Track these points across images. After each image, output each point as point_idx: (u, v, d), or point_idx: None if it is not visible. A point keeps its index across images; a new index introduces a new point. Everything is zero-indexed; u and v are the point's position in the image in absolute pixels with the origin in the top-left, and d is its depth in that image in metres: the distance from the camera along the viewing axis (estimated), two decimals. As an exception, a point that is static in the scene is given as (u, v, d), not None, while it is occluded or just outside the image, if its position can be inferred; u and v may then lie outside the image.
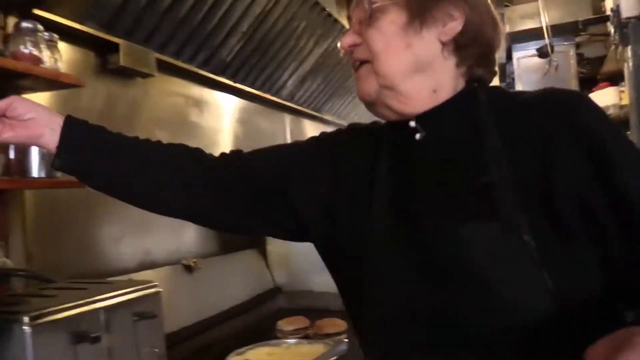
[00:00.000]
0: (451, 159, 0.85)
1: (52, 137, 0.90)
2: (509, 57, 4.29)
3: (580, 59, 4.10)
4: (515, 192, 0.77)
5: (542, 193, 0.77)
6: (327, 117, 3.81)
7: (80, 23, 1.67)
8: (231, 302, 2.24)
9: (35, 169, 1.24)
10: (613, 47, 2.73)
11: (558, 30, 3.63)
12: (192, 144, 2.29)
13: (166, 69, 2.10)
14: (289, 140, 3.35)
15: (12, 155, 1.24)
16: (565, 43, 3.96)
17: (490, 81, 0.92)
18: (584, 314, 0.74)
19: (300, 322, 2.05)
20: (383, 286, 0.84)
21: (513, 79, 4.35)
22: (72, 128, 0.92)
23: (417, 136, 0.86)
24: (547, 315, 0.73)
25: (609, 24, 2.83)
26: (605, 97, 3.47)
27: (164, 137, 2.10)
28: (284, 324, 2.03)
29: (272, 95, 2.93)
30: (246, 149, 2.73)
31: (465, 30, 0.84)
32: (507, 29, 3.61)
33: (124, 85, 1.96)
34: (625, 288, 0.77)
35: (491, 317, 0.75)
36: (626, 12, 2.28)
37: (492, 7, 0.90)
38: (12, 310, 0.99)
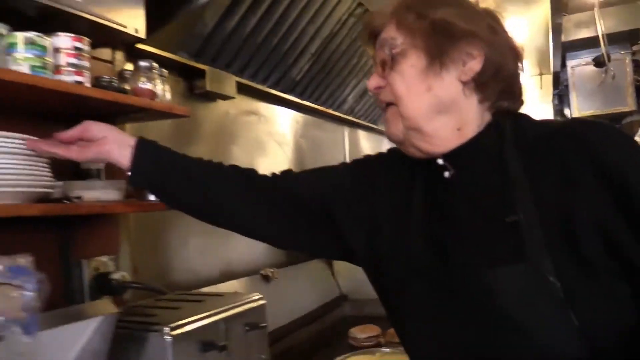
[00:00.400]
0: (479, 196, 0.88)
1: (121, 152, 1.00)
2: (563, 64, 4.29)
3: (636, 66, 4.07)
4: (540, 231, 0.79)
5: (565, 230, 0.79)
6: (381, 127, 3.89)
7: (174, 53, 1.81)
8: (303, 310, 2.36)
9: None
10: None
11: (614, 39, 3.62)
12: (262, 157, 2.45)
13: (243, 90, 2.24)
14: (347, 151, 3.47)
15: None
16: (622, 52, 3.95)
17: (518, 109, 0.95)
18: (616, 349, 0.76)
19: (372, 330, 2.14)
20: (419, 322, 0.90)
21: (566, 86, 4.35)
22: (144, 146, 1.02)
23: (446, 174, 0.90)
24: (575, 354, 0.75)
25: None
26: (664, 106, 3.46)
27: (239, 152, 2.26)
28: (357, 332, 2.13)
29: (334, 110, 3.04)
30: (309, 160, 2.89)
31: (485, 68, 0.86)
32: (562, 38, 3.62)
33: (206, 107, 2.10)
34: None
35: (516, 353, 0.79)
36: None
37: (513, 39, 0.92)
38: (151, 322, 1.12)
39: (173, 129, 1.91)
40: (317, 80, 2.64)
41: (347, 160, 3.40)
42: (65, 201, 1.18)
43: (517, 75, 0.92)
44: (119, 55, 1.60)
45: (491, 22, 0.90)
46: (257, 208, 1.06)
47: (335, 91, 2.88)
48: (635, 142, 0.83)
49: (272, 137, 2.58)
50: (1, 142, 1.04)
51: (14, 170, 1.05)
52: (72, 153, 1.03)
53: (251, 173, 1.10)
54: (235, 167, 1.11)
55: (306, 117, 2.92)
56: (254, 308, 1.33)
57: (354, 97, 3.11)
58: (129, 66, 1.60)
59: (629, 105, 4.08)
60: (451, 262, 0.86)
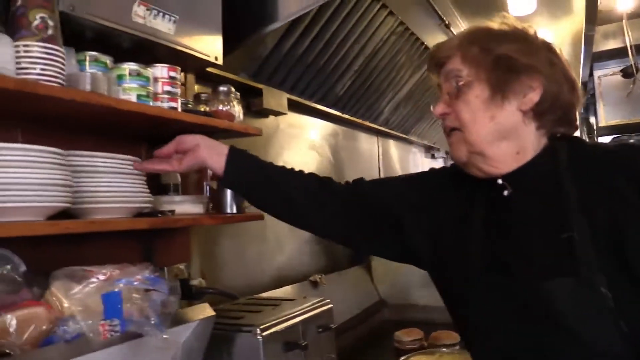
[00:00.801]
0: (536, 213, 0.97)
1: (214, 157, 1.16)
2: (590, 74, 4.36)
3: (663, 75, 4.13)
4: (592, 246, 0.87)
5: (615, 246, 0.86)
6: (412, 138, 4.01)
7: (235, 74, 1.95)
8: (348, 315, 2.47)
9: (228, 206, 1.50)
10: None
11: (641, 50, 3.70)
12: (309, 166, 2.58)
13: (293, 106, 2.37)
14: (381, 159, 3.59)
15: (207, 195, 1.52)
16: (650, 64, 4.03)
17: (573, 134, 1.05)
18: None
19: (416, 333, 2.24)
20: (482, 327, 1.01)
21: (592, 95, 4.42)
22: (235, 154, 1.18)
23: (505, 193, 0.99)
24: (623, 357, 0.85)
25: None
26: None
27: (289, 162, 2.39)
28: (402, 335, 2.23)
29: (371, 122, 3.17)
30: (348, 169, 3.01)
31: (543, 98, 0.96)
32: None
33: (261, 123, 2.23)
34: None
35: (571, 355, 0.89)
36: None
37: (569, 70, 1.01)
38: (241, 323, 1.24)
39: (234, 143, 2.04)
40: (358, 95, 2.76)
41: (381, 166, 3.52)
42: (159, 215, 1.32)
43: (572, 104, 1.02)
44: (190, 78, 1.74)
45: (549, 55, 0.99)
46: (330, 210, 1.19)
47: (374, 104, 3.00)
48: None
49: (315, 148, 2.71)
50: (111, 162, 1.18)
51: (122, 187, 1.19)
52: (174, 166, 1.18)
53: (327, 180, 1.24)
54: (313, 175, 1.24)
55: (345, 129, 3.05)
56: (323, 311, 1.45)
57: (389, 109, 3.23)
58: (196, 87, 1.75)
59: (656, 119, 4.16)
60: (510, 274, 0.96)
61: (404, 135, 3.83)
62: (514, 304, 0.95)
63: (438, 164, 5.14)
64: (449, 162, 4.94)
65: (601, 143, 1.03)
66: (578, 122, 1.06)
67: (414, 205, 1.15)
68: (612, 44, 3.88)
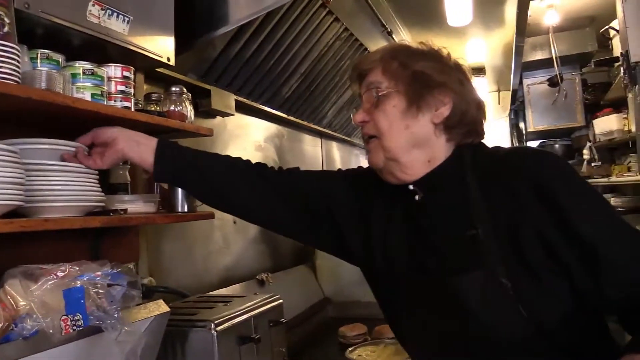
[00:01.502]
0: (445, 215, 1.06)
1: (138, 149, 1.19)
2: (520, 82, 4.62)
3: (584, 85, 4.43)
4: (494, 242, 0.97)
5: (513, 241, 0.96)
6: (354, 140, 4.12)
7: (184, 75, 1.96)
8: (294, 312, 2.52)
9: (180, 205, 1.52)
10: (622, 82, 3.05)
11: (566, 61, 3.97)
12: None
13: (240, 107, 2.40)
14: (324, 160, 3.67)
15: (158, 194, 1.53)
16: (573, 73, 4.31)
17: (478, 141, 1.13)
18: (558, 330, 0.96)
19: (359, 328, 2.32)
20: (406, 322, 1.12)
21: (522, 102, 4.69)
22: (163, 147, 1.21)
23: (417, 197, 1.09)
24: (525, 337, 0.97)
25: (617, 64, 3.17)
26: (609, 123, 3.81)
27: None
28: (346, 330, 2.31)
29: (315, 124, 3.24)
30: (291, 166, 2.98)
31: (453, 113, 1.05)
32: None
33: (209, 123, 2.25)
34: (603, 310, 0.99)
35: (481, 341, 1.00)
36: (635, 57, 2.61)
37: (476, 91, 1.13)
38: (196, 319, 1.27)
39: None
40: (303, 97, 2.83)
41: (324, 167, 3.60)
42: (111, 214, 1.32)
43: (479, 121, 1.11)
44: (140, 78, 1.74)
45: (460, 76, 1.10)
46: (260, 193, 1.24)
47: (318, 107, 3.07)
48: (566, 164, 1.02)
49: (260, 149, 2.74)
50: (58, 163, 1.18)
51: (74, 186, 1.19)
52: (96, 162, 1.20)
53: (262, 166, 1.30)
54: (247, 162, 1.30)
55: (290, 131, 3.11)
56: (274, 306, 1.50)
57: (333, 112, 3.32)
58: (145, 87, 1.76)
59: (579, 121, 4.45)
60: (425, 272, 1.06)
61: (346, 138, 3.93)
62: (429, 300, 1.05)
63: (378, 166, 5.29)
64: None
65: (501, 148, 1.13)
66: (485, 134, 1.15)
67: (345, 200, 1.22)
68: (539, 55, 4.14)
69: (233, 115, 2.29)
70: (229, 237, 2.35)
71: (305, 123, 3.10)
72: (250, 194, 1.25)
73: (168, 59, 1.53)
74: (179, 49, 1.62)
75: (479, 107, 1.11)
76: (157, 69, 1.75)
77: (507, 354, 0.98)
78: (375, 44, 2.99)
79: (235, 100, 2.30)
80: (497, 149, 1.12)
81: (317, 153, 3.59)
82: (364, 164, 3.89)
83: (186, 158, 1.25)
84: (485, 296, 0.97)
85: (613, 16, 3.24)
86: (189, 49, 1.76)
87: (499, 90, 5.11)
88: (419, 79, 1.05)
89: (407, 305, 1.10)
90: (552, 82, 4.21)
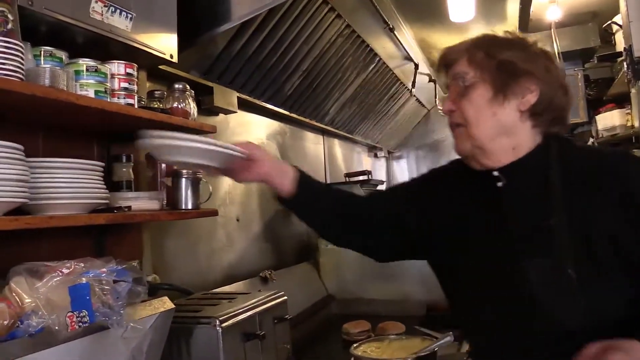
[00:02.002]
0: (524, 203, 1.10)
1: (281, 179, 1.21)
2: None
3: (587, 81, 4.40)
4: (566, 234, 1.02)
5: (587, 237, 1.02)
6: (357, 137, 4.11)
7: (186, 72, 1.96)
8: (297, 309, 2.52)
9: (184, 202, 1.52)
10: (622, 73, 3.04)
11: (568, 56, 3.94)
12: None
13: (242, 104, 2.40)
14: (326, 157, 3.66)
15: (164, 192, 1.53)
16: (575, 69, 4.28)
17: (565, 133, 1.18)
18: (614, 321, 0.99)
19: (363, 325, 2.33)
20: (476, 303, 1.15)
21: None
22: (303, 179, 1.24)
23: (499, 184, 1.12)
24: (584, 328, 0.99)
25: (620, 59, 3.15)
26: (612, 119, 3.80)
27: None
28: (350, 327, 2.31)
29: (317, 121, 3.23)
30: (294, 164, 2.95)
31: (539, 100, 1.08)
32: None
33: (211, 121, 2.25)
34: None
35: (541, 326, 1.04)
36: (638, 52, 2.60)
37: (563, 77, 1.14)
38: (201, 316, 1.27)
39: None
40: (305, 95, 2.82)
41: (326, 165, 3.60)
42: (115, 211, 1.32)
43: (565, 107, 1.14)
44: (142, 75, 1.74)
45: (546, 62, 1.12)
46: (380, 229, 1.28)
47: (320, 104, 3.07)
48: None
49: (264, 147, 2.74)
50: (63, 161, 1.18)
51: (78, 183, 1.19)
52: (242, 176, 1.21)
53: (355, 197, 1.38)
54: (347, 193, 1.36)
55: (292, 128, 3.10)
56: (278, 303, 1.50)
57: (335, 109, 3.31)
58: (148, 84, 1.75)
59: (581, 117, 4.41)
60: (498, 255, 1.10)
61: (348, 135, 3.92)
62: (500, 285, 1.10)
63: (380, 162, 5.28)
64: (392, 161, 5.06)
65: (590, 146, 1.15)
66: (570, 121, 1.19)
67: (422, 205, 1.26)
68: (542, 51, 4.11)
69: (235, 112, 2.29)
70: (232, 234, 2.35)
71: (307, 120, 3.09)
72: (370, 226, 1.29)
73: (171, 56, 1.53)
74: (181, 46, 1.62)
75: (566, 92, 1.12)
76: (160, 66, 1.75)
77: (566, 342, 0.99)
78: (378, 40, 2.98)
79: (238, 97, 2.30)
80: (587, 146, 1.18)
81: (319, 151, 3.58)
82: (366, 161, 3.94)
83: (321, 189, 1.31)
84: (550, 284, 1.01)
85: (616, 11, 3.22)
86: (192, 46, 1.76)
87: (501, 87, 5.09)
88: (504, 68, 1.08)
89: (478, 291, 1.14)
90: (555, 78, 4.20)
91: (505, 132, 1.09)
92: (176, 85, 1.52)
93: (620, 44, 3.23)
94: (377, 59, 3.17)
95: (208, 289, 1.97)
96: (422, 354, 1.35)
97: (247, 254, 2.45)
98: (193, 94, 1.60)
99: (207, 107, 2.13)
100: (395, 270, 2.75)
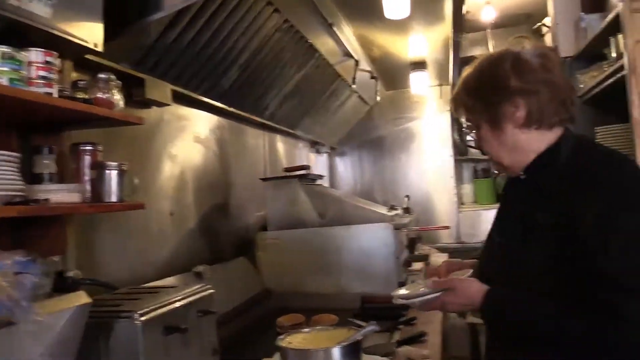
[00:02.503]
0: (529, 194, 1.30)
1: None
2: (460, 74, 4.73)
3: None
4: (547, 226, 1.20)
5: (560, 234, 1.17)
6: (298, 133, 4.12)
7: (116, 63, 1.91)
8: (233, 304, 2.52)
9: (108, 195, 1.48)
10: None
11: (503, 58, 4.09)
12: (194, 159, 2.59)
13: (177, 97, 2.36)
14: (267, 153, 3.65)
15: (88, 185, 1.49)
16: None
17: (574, 117, 1.29)
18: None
19: (297, 318, 2.34)
20: (484, 264, 1.43)
21: (462, 97, 4.80)
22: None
23: (521, 176, 1.33)
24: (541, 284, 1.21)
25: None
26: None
27: (173, 155, 2.37)
28: (284, 321, 2.31)
29: (257, 116, 3.22)
30: (234, 163, 3.12)
31: (528, 110, 1.23)
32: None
33: (144, 114, 2.20)
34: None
35: (514, 279, 1.26)
36: (563, 52, 2.73)
37: (544, 75, 1.23)
38: (119, 310, 1.25)
39: (108, 135, 2.01)
40: (244, 89, 2.80)
41: (267, 160, 3.60)
42: (31, 203, 1.28)
43: (554, 99, 1.24)
44: (68, 65, 1.68)
45: (516, 75, 1.22)
46: None
47: (260, 98, 3.06)
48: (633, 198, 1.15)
49: (200, 141, 2.71)
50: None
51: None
52: None
53: None
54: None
55: (231, 123, 3.08)
56: (204, 296, 1.49)
57: (275, 104, 3.31)
58: (75, 75, 1.70)
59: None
60: (502, 236, 1.37)
61: (290, 130, 3.93)
62: (496, 254, 1.38)
63: (323, 158, 5.31)
64: (334, 157, 5.10)
65: (597, 150, 1.30)
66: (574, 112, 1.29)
67: None
68: (478, 51, 4.25)
69: (169, 105, 2.25)
70: (165, 229, 2.32)
71: (246, 115, 3.08)
72: None
73: (95, 45, 1.49)
74: (109, 35, 1.57)
75: (547, 84, 1.22)
76: (87, 56, 1.70)
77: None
78: (317, 36, 3.00)
79: (172, 90, 2.26)
80: (595, 150, 1.28)
81: (259, 146, 3.57)
82: (307, 157, 4.02)
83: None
84: (525, 260, 1.25)
85: (547, 13, 3.37)
86: (120, 36, 1.71)
87: (440, 85, 5.23)
88: (487, 106, 1.27)
89: (486, 263, 1.41)
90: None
91: (514, 148, 1.28)
92: (100, 75, 1.49)
93: (549, 45, 3.38)
94: (317, 54, 3.19)
95: (138, 285, 1.93)
96: (345, 343, 1.38)
97: (181, 249, 2.42)
98: (120, 85, 1.56)
99: (139, 99, 2.09)
100: (331, 264, 2.79)
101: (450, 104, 1.46)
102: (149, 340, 1.23)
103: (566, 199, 1.18)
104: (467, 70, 1.34)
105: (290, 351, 1.41)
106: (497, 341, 1.37)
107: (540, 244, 1.22)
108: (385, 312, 2.46)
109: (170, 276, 2.19)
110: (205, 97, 2.55)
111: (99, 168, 1.49)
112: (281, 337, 1.52)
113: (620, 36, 2.30)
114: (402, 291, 1.44)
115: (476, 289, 1.26)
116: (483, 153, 1.37)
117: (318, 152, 5.05)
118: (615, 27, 2.28)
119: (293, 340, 1.52)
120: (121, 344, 1.21)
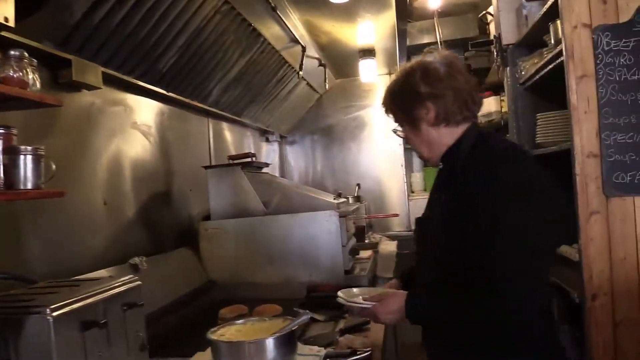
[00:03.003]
0: (443, 180, 1.56)
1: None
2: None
3: (468, 69, 4.62)
4: (449, 205, 1.45)
5: (459, 214, 1.39)
6: (245, 120, 4.03)
7: (38, 42, 1.79)
8: (173, 296, 2.43)
9: (22, 182, 1.37)
10: (495, 65, 3.22)
11: (450, 45, 4.10)
12: (131, 146, 2.48)
13: (110, 81, 2.24)
14: (212, 141, 3.55)
15: (1, 170, 1.38)
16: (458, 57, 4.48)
17: (479, 110, 1.55)
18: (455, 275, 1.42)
19: (240, 309, 2.28)
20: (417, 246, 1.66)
21: (411, 85, 4.80)
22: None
23: (440, 165, 1.58)
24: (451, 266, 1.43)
25: (492, 47, 3.33)
26: (489, 105, 4.01)
27: (104, 142, 2.26)
28: (226, 312, 2.25)
29: (199, 102, 3.11)
30: (176, 150, 3.02)
31: (437, 111, 1.48)
32: (408, 42, 4.03)
33: (71, 98, 2.08)
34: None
35: (430, 261, 1.53)
36: (505, 39, 2.75)
37: (448, 82, 1.45)
38: (31, 305, 1.16)
39: (34, 119, 1.89)
40: (183, 73, 2.70)
41: (212, 148, 3.50)
42: None
43: (459, 97, 1.47)
44: (-19, 43, 1.56)
45: (424, 82, 1.46)
46: None
47: (202, 84, 2.96)
48: (519, 183, 1.34)
49: (138, 127, 2.60)
50: None
51: None
52: None
53: None
54: None
55: (172, 109, 2.97)
56: (130, 289, 1.41)
57: (218, 90, 3.21)
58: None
59: (463, 104, 4.63)
60: (423, 217, 1.64)
61: (236, 117, 3.84)
62: (420, 231, 1.65)
63: (273, 147, 5.24)
64: (285, 146, 5.02)
65: (493, 140, 1.50)
66: (477, 106, 1.53)
67: None
68: (426, 39, 4.25)
69: (100, 88, 2.13)
70: (97, 219, 2.20)
71: (188, 101, 2.97)
72: None
73: (6, 19, 1.38)
74: (24, 11, 1.46)
75: (450, 87, 1.45)
76: (3, 34, 1.58)
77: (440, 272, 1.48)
78: (261, 19, 2.92)
79: (103, 72, 2.14)
80: (489, 142, 1.48)
81: (203, 134, 3.47)
82: (257, 146, 4.00)
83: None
84: (432, 234, 1.51)
85: (491, 2, 3.39)
86: (38, 11, 1.60)
87: (389, 74, 5.22)
88: (405, 113, 1.54)
89: (416, 244, 1.66)
90: (437, 66, 4.36)
91: (430, 143, 1.54)
92: (11, 52, 1.37)
93: (493, 33, 3.40)
94: (262, 39, 3.11)
95: (65, 277, 1.82)
96: (278, 334, 1.33)
97: (116, 240, 2.31)
98: (35, 63, 1.45)
99: (66, 82, 1.96)
100: (277, 253, 2.73)
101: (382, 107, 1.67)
102: (62, 337, 1.14)
103: (463, 180, 1.42)
104: (391, 79, 1.60)
105: (221, 344, 1.35)
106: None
107: (440, 215, 1.50)
108: (331, 301, 2.42)
109: (103, 268, 2.08)
110: (141, 81, 2.43)
111: (12, 153, 1.37)
112: (213, 329, 1.46)
113: (558, 22, 2.32)
114: (344, 294, 1.63)
115: (400, 301, 1.44)
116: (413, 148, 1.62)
117: (268, 140, 4.97)
118: (554, 13, 2.29)
119: (226, 333, 1.46)
120: (32, 341, 1.12)
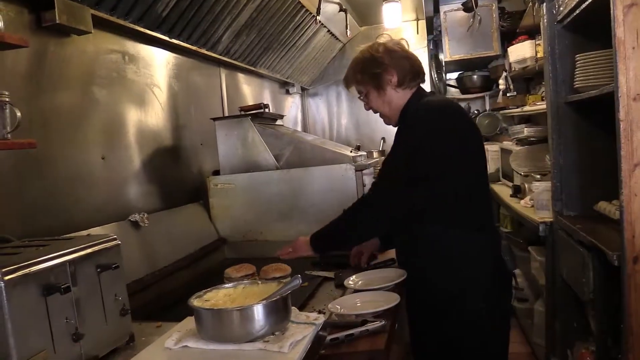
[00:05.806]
0: (397, 137, 1.91)
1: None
2: (437, 10, 4.41)
3: (502, 12, 4.28)
4: (394, 155, 1.90)
5: (399, 158, 1.81)
6: (262, 71, 3.83)
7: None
8: (179, 255, 2.32)
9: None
10: (531, 3, 2.92)
11: (481, -14, 3.79)
12: (129, 99, 2.30)
13: (102, 25, 2.08)
14: (225, 94, 3.38)
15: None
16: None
17: (423, 81, 1.90)
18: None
19: (247, 269, 2.15)
20: None
21: (440, 31, 4.50)
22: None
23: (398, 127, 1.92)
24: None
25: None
26: (523, 50, 3.70)
27: (101, 93, 2.11)
28: (232, 272, 2.12)
29: (208, 50, 2.93)
30: (182, 103, 2.81)
31: (399, 76, 1.80)
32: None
33: (60, 44, 1.93)
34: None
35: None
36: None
37: (403, 54, 1.82)
38: (-17, 268, 1.03)
39: (31, 70, 1.75)
40: (186, 18, 2.51)
41: (225, 101, 3.32)
42: None
43: (411, 68, 1.82)
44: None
45: (389, 54, 1.80)
46: None
47: (208, 29, 2.76)
48: (434, 128, 1.70)
49: (142, 78, 2.44)
50: None
51: None
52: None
53: None
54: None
55: (178, 58, 2.79)
56: (106, 249, 1.27)
57: (228, 37, 3.01)
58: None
59: (495, 49, 4.31)
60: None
61: (252, 68, 3.64)
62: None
63: (295, 100, 5.03)
64: (307, 98, 4.82)
65: (426, 100, 1.82)
66: (422, 74, 1.89)
67: None
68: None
69: (90, 32, 1.96)
70: (95, 174, 2.08)
71: (194, 48, 2.78)
72: None
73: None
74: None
75: (409, 62, 1.82)
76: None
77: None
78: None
79: (94, 16, 1.97)
80: (423, 101, 1.79)
81: (215, 85, 3.29)
82: (277, 99, 4.07)
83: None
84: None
85: None
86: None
87: (417, 19, 4.89)
88: (373, 76, 1.82)
89: None
90: (467, 7, 4.03)
91: (390, 103, 1.85)
92: (-37, -15, 1.21)
93: (528, -32, 3.06)
94: (272, -21, 2.88)
95: (56, 235, 1.71)
96: (265, 301, 1.18)
97: (117, 196, 2.19)
98: (-4, 0, 1.29)
99: (50, 25, 1.80)
100: (290, 209, 2.59)
101: (342, 83, 1.97)
102: (17, 302, 1.02)
103: (400, 131, 1.89)
104: (355, 58, 1.88)
105: (202, 311, 1.21)
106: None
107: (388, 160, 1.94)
108: (344, 260, 2.27)
109: (100, 225, 1.97)
110: (138, 25, 2.25)
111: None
112: (199, 293, 1.32)
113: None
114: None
115: (305, 238, 1.93)
116: (374, 112, 1.91)
117: (288, 92, 4.77)
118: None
119: (212, 298, 1.32)
120: (-16, 307, 1.00)
